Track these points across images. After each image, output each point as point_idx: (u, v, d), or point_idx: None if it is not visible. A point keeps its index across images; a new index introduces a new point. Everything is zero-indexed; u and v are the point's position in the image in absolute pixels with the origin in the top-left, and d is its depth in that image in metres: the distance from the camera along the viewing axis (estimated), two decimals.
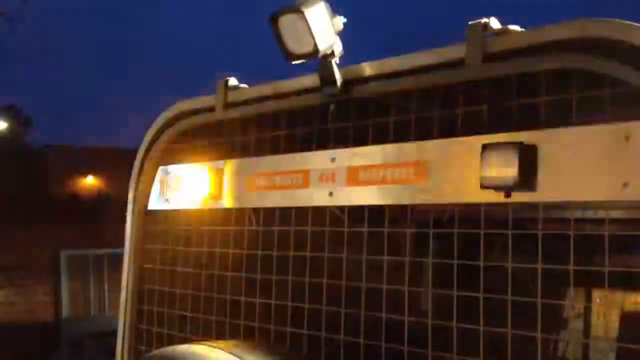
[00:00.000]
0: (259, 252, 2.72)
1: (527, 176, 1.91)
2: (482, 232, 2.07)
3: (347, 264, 2.48)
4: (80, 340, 12.74)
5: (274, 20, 2.31)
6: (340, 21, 2.33)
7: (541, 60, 1.97)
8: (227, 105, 2.95)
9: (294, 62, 2.35)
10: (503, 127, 2.00)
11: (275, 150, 2.70)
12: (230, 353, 2.27)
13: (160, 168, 3.24)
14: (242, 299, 2.77)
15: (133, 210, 3.36)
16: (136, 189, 3.34)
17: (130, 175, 3.38)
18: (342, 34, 2.35)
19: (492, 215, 2.04)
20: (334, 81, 2.41)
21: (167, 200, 3.18)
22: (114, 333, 3.49)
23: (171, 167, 3.17)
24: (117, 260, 3.80)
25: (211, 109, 3.03)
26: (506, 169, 1.93)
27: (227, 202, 2.86)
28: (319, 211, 2.52)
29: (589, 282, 1.99)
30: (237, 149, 2.87)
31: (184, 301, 3.03)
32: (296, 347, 2.55)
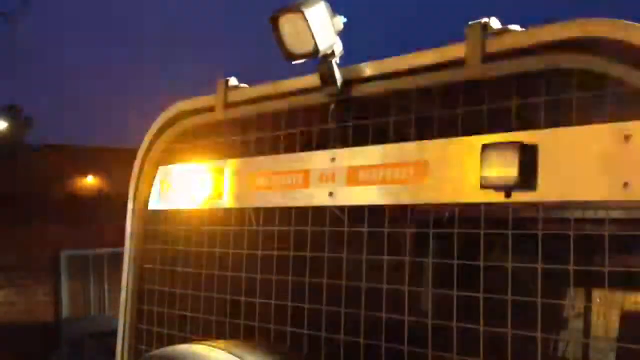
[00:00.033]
0: (259, 252, 2.73)
1: (527, 176, 1.91)
2: (482, 232, 2.07)
3: (347, 263, 2.48)
4: (80, 340, 12.75)
5: (274, 20, 2.31)
6: (340, 21, 2.33)
7: (541, 60, 1.97)
8: (227, 105, 2.95)
9: (294, 62, 2.35)
10: (503, 127, 2.00)
11: (275, 150, 2.70)
12: (230, 353, 2.27)
13: (161, 168, 3.24)
14: (242, 299, 2.77)
15: (133, 210, 3.36)
16: (136, 189, 3.34)
17: (130, 175, 3.38)
18: (342, 34, 2.35)
19: (492, 215, 2.04)
20: (334, 81, 2.41)
21: (167, 200, 3.18)
22: (114, 333, 3.49)
23: (171, 167, 3.17)
24: (117, 260, 3.80)
25: (211, 109, 3.03)
26: (506, 169, 1.93)
27: (227, 202, 2.86)
28: (319, 211, 2.52)
29: (589, 282, 1.98)
30: (237, 149, 2.87)
31: (184, 301, 3.03)
32: (296, 347, 2.55)
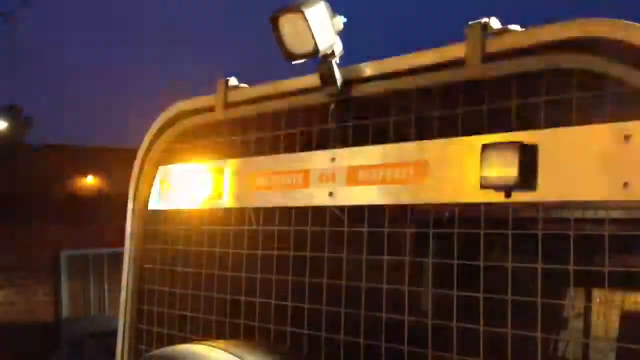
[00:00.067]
0: (259, 252, 2.73)
1: (527, 176, 1.91)
2: (482, 232, 2.07)
3: (347, 263, 2.48)
4: (80, 340, 12.75)
5: (274, 20, 2.31)
6: (340, 21, 2.33)
7: (541, 60, 1.97)
8: (227, 105, 2.95)
9: (294, 62, 2.35)
10: (503, 126, 2.00)
11: (275, 150, 2.70)
12: (230, 353, 2.27)
13: (161, 168, 3.24)
14: (242, 298, 2.77)
15: (133, 210, 3.36)
16: (136, 189, 3.34)
17: (130, 175, 3.38)
18: (342, 34, 2.35)
19: (492, 215, 2.04)
20: (334, 81, 2.41)
21: (167, 200, 3.18)
22: (114, 333, 3.49)
23: (171, 167, 3.17)
24: (117, 260, 3.80)
25: (211, 109, 3.03)
26: (506, 169, 1.93)
27: (227, 202, 2.86)
28: (319, 211, 2.52)
29: (589, 282, 1.98)
30: (237, 149, 2.87)
31: (184, 301, 3.03)
32: (296, 347, 2.55)
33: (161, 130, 3.26)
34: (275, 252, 2.66)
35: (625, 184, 1.76)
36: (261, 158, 2.74)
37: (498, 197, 1.98)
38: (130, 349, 3.32)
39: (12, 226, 13.46)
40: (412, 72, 2.29)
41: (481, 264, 2.07)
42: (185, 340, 2.81)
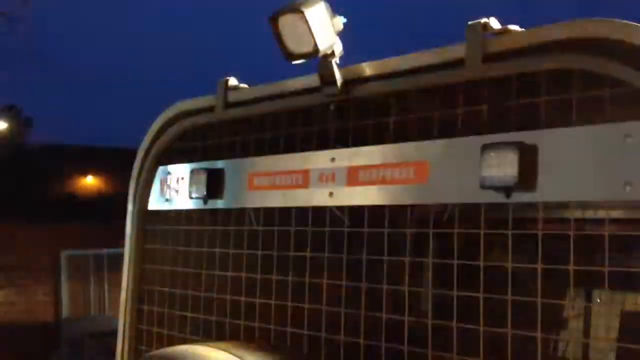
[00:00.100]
0: (259, 252, 2.72)
1: (527, 176, 1.91)
2: (482, 232, 2.07)
3: (347, 264, 2.48)
4: (80, 340, 12.74)
5: (273, 20, 2.30)
6: (340, 21, 2.33)
7: (541, 60, 1.97)
8: (227, 105, 2.95)
9: (294, 62, 2.35)
10: (503, 127, 2.00)
11: (275, 150, 2.70)
12: (230, 353, 2.27)
13: (160, 168, 3.24)
14: (242, 299, 2.77)
15: (133, 210, 3.36)
16: (136, 189, 3.34)
17: (130, 175, 3.38)
18: (342, 34, 2.35)
19: (492, 215, 2.04)
20: (334, 81, 2.41)
21: (167, 200, 3.18)
22: (114, 333, 3.49)
23: (171, 167, 3.17)
24: (117, 260, 3.80)
25: (211, 109, 3.03)
26: (506, 169, 1.93)
27: (227, 202, 2.86)
28: (319, 211, 2.52)
29: (589, 282, 1.98)
30: (237, 149, 2.87)
31: (184, 301, 3.03)
32: (296, 347, 2.55)
33: (161, 130, 3.26)
34: (275, 253, 2.66)
35: (626, 184, 1.76)
36: (261, 158, 2.74)
37: (498, 198, 1.98)
38: (130, 350, 3.32)
39: (12, 226, 13.46)
40: (412, 72, 2.29)
41: (481, 264, 2.07)
42: (185, 341, 2.81)
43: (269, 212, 2.71)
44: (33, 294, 13.65)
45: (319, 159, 2.51)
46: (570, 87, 1.90)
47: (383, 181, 2.30)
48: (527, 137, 1.94)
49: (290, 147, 2.64)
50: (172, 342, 2.96)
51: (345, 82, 2.42)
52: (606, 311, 3.19)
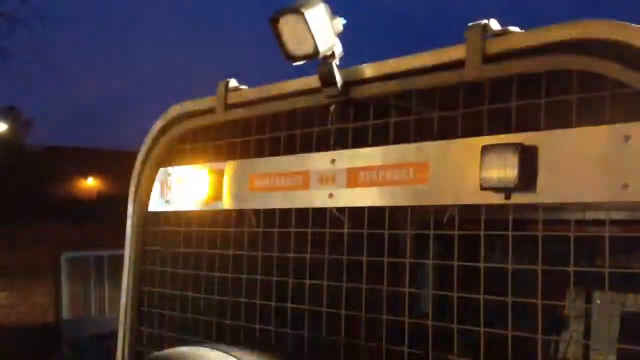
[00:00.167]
0: (259, 254, 2.72)
1: (527, 177, 1.91)
2: (482, 234, 2.07)
3: (346, 265, 2.48)
4: (80, 341, 12.74)
5: (274, 21, 2.31)
6: (340, 23, 2.33)
7: (541, 61, 1.97)
8: (228, 107, 2.95)
9: (294, 64, 2.35)
10: (503, 128, 2.00)
11: (275, 151, 2.70)
12: (230, 355, 2.27)
13: (161, 169, 3.24)
14: (242, 300, 2.77)
15: (133, 211, 3.36)
16: (136, 191, 3.34)
17: (130, 176, 3.38)
18: (342, 35, 2.35)
19: (492, 216, 2.04)
20: (334, 82, 2.41)
21: (167, 201, 3.18)
22: (114, 335, 3.49)
23: (172, 169, 3.17)
24: (118, 261, 3.80)
25: (211, 111, 3.03)
26: (506, 170, 1.93)
27: (227, 203, 2.86)
28: (319, 212, 2.52)
29: (589, 283, 1.98)
30: (237, 151, 2.87)
31: (184, 303, 3.03)
32: (296, 348, 2.55)
33: (161, 132, 3.27)
34: (275, 254, 2.66)
35: (625, 185, 1.76)
36: (261, 160, 2.74)
37: (498, 199, 1.98)
38: (131, 351, 3.32)
39: (12, 228, 13.47)
40: (412, 73, 2.29)
41: (481, 265, 2.07)
42: (185, 342, 2.81)
43: (269, 213, 2.71)
44: (33, 296, 13.66)
45: (319, 161, 2.51)
46: (570, 88, 1.90)
47: (383, 183, 2.30)
48: (527, 138, 1.94)
49: (291, 148, 2.64)
50: (172, 343, 2.96)
51: (345, 84, 2.42)
52: (606, 312, 3.19)
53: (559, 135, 1.90)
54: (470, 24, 2.11)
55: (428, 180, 2.17)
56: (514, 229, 1.99)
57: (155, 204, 3.25)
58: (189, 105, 3.17)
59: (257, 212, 2.79)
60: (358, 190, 2.37)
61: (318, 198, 2.49)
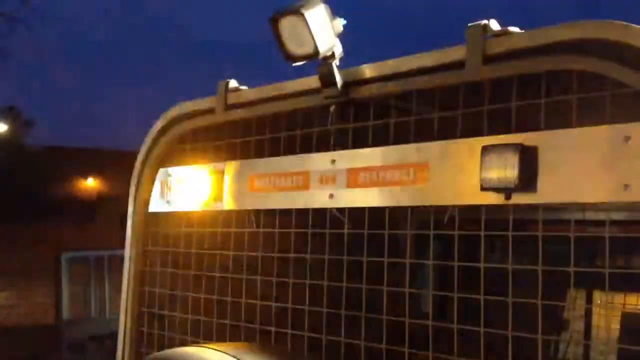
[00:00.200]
0: (260, 254, 2.73)
1: (527, 178, 1.91)
2: (482, 234, 2.07)
3: (347, 265, 2.48)
4: (81, 342, 12.74)
5: (274, 21, 2.31)
6: (340, 23, 2.33)
7: (541, 61, 1.97)
8: (228, 107, 2.96)
9: (294, 64, 2.36)
10: (503, 128, 2.01)
11: (275, 152, 2.70)
12: (231, 355, 2.27)
13: (161, 170, 3.24)
14: (243, 300, 2.77)
15: (134, 212, 3.36)
16: (137, 191, 3.34)
17: (130, 176, 3.38)
18: (342, 36, 2.35)
19: (492, 216, 2.04)
20: (334, 83, 2.41)
21: (167, 202, 3.18)
22: (114, 335, 3.49)
23: (172, 169, 3.17)
24: (118, 262, 3.80)
25: (211, 111, 3.03)
26: (506, 171, 1.93)
27: (228, 204, 2.86)
28: (319, 213, 2.52)
29: (590, 283, 1.99)
30: (237, 151, 2.87)
31: (185, 303, 3.03)
32: (297, 349, 2.55)
33: (162, 132, 3.27)
34: (275, 254, 2.66)
35: (626, 186, 1.76)
36: (261, 160, 2.74)
37: (498, 199, 1.98)
38: (131, 351, 3.32)
39: (12, 228, 13.48)
40: (413, 74, 2.29)
41: (482, 265, 2.07)
42: (185, 343, 2.81)
43: (270, 213, 2.71)
44: (33, 297, 13.66)
45: (320, 161, 2.51)
46: (570, 88, 1.90)
47: (383, 183, 2.30)
48: (527, 138, 1.94)
49: (291, 148, 2.64)
50: (172, 344, 2.96)
51: (346, 84, 2.43)
52: (607, 312, 3.19)
53: (559, 136, 1.90)
54: (470, 24, 2.11)
55: (428, 181, 2.17)
56: (514, 229, 1.99)
57: (156, 205, 3.25)
58: (189, 106, 3.17)
59: (257, 212, 2.79)
60: (358, 190, 2.37)
61: (318, 198, 2.49)
